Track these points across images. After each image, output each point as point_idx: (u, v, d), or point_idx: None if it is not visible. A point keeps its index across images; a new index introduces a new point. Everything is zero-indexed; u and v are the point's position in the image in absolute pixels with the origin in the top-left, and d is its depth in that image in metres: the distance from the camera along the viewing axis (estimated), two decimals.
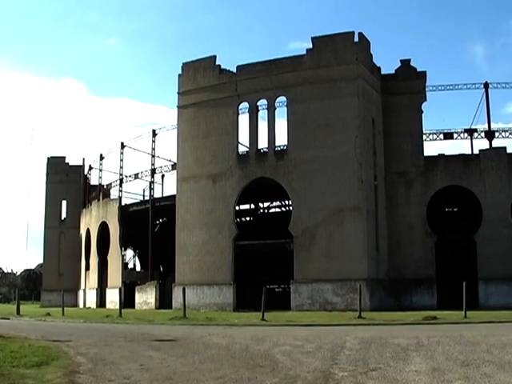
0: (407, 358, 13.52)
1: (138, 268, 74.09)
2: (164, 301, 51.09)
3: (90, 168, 71.00)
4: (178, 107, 49.91)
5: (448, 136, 50.90)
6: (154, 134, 57.70)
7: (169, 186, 65.97)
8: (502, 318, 29.27)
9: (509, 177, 46.24)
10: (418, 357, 13.63)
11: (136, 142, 60.72)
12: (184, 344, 17.95)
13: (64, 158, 74.48)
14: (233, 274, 45.38)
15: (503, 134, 50.05)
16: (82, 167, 72.28)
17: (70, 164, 73.82)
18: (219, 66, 48.11)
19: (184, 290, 35.40)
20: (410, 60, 48.90)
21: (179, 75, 49.96)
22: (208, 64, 48.40)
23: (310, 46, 45.06)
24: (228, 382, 10.76)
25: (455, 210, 57.67)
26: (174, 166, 53.60)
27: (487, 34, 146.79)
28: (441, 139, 50.68)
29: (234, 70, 47.42)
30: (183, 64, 49.77)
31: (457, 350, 14.84)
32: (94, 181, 70.11)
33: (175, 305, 45.22)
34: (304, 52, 45.41)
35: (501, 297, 43.54)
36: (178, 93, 50.01)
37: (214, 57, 48.38)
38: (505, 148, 47.43)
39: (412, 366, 12.19)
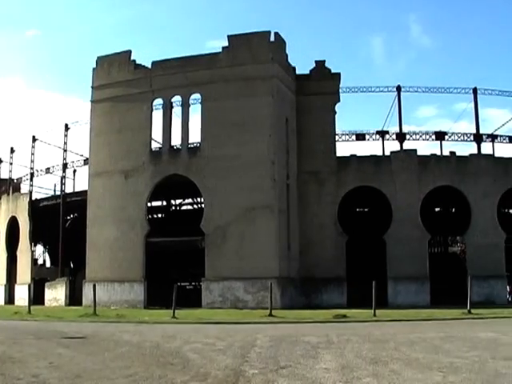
0: (317, 355, 13.65)
1: (48, 264, 72.89)
2: (74, 298, 50.30)
3: (0, 161, 69.52)
4: (92, 101, 49.23)
5: (360, 137, 51.71)
6: (67, 127, 56.88)
7: (81, 181, 65.07)
8: (409, 316, 29.92)
9: (419, 178, 47.18)
10: (328, 354, 13.78)
11: (48, 136, 59.80)
12: (94, 341, 17.79)
13: None
14: (144, 270, 45.01)
15: (414, 136, 51.08)
16: None
17: None
18: (134, 61, 47.59)
19: (94, 286, 35.06)
20: (324, 61, 49.45)
21: (94, 69, 49.27)
22: (123, 59, 47.88)
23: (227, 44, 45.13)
24: (138, 380, 10.69)
25: (366, 210, 58.61)
26: (86, 161, 52.89)
27: (386, 29, 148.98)
28: (353, 140, 51.46)
29: (150, 66, 47.09)
30: (98, 58, 49.09)
31: (366, 347, 15.07)
32: (3, 174, 68.65)
33: (85, 302, 44.53)
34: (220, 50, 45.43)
35: (409, 296, 44.46)
36: (92, 87, 49.33)
37: (130, 51, 47.88)
38: (415, 150, 48.43)
39: (322, 364, 12.32)
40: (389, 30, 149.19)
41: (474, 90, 51.43)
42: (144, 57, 70.63)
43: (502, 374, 10.87)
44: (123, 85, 47.28)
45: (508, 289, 53.73)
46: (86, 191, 49.67)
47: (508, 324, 24.78)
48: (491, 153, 51.85)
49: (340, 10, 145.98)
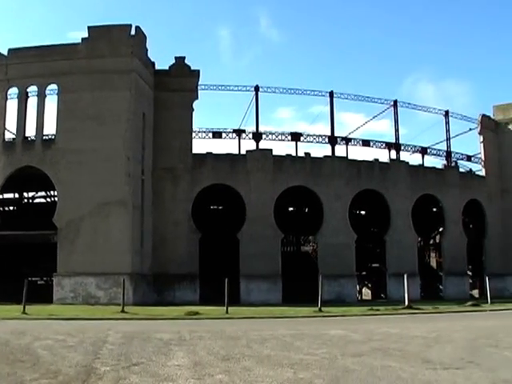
0: (169, 352, 13.64)
1: None
2: None
3: None
4: None
5: (217, 135, 52.10)
6: None
7: None
8: (261, 313, 30.35)
9: (273, 178, 47.95)
10: (180, 351, 13.79)
11: None
12: None
13: None
14: None
15: (270, 136, 51.88)
16: None
17: None
18: None
19: None
20: (184, 58, 49.49)
21: None
22: None
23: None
24: None
25: (220, 207, 58.96)
26: None
27: (234, 20, 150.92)
28: (210, 138, 51.75)
29: (6, 53, 45.71)
30: None
31: (218, 344, 15.16)
32: None
33: None
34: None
35: (261, 294, 45.19)
36: None
37: None
38: (271, 150, 49.17)
39: (174, 361, 12.32)
40: (238, 23, 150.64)
41: (331, 94, 52.82)
42: (1, 44, 68.46)
43: (351, 370, 11.18)
44: None
45: (358, 288, 55.49)
46: None
47: (357, 322, 25.46)
48: (345, 155, 53.22)
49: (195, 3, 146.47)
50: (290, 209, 61.20)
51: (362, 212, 63.55)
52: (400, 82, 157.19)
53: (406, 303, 34.53)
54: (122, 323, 24.51)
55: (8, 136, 46.74)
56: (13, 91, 45.80)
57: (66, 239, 42.22)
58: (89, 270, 41.22)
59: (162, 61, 50.22)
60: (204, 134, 51.67)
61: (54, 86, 45.08)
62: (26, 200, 62.93)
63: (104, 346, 14.87)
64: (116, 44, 43.85)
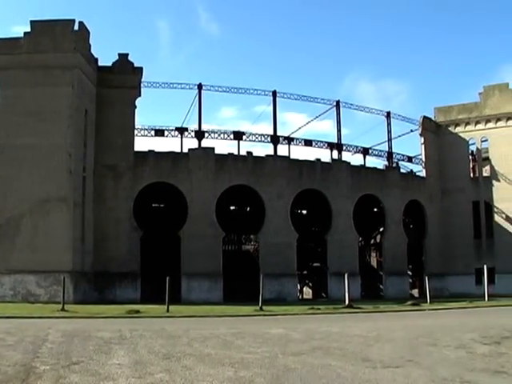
0: (110, 351, 13.54)
1: None
2: None
3: None
4: None
5: (159, 133, 51.88)
6: None
7: None
8: (202, 312, 30.33)
9: (215, 176, 47.97)
10: (121, 350, 13.70)
11: None
12: None
13: None
14: None
15: (213, 135, 51.84)
16: None
17: None
18: None
19: None
20: (127, 54, 49.20)
21: None
22: None
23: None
24: None
25: (162, 206, 58.72)
26: None
27: (173, 13, 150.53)
28: (152, 135, 51.52)
29: None
30: None
31: (159, 343, 15.11)
32: None
33: None
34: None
35: (202, 292, 45.22)
36: None
37: None
38: (213, 148, 49.12)
39: (115, 359, 12.23)
40: (177, 16, 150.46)
41: (274, 93, 52.99)
42: None
43: (292, 368, 11.22)
44: None
45: (299, 287, 55.80)
46: None
47: (298, 321, 25.55)
48: (287, 155, 53.40)
49: None
50: (232, 207, 61.18)
51: (304, 211, 63.85)
52: (340, 81, 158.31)
53: (347, 302, 34.78)
54: (62, 322, 24.27)
55: None
56: None
57: (6, 236, 41.62)
58: (29, 267, 40.66)
59: (104, 56, 49.72)
60: (146, 132, 51.48)
61: None
62: None
63: (44, 344, 14.70)
64: (59, 39, 43.30)
